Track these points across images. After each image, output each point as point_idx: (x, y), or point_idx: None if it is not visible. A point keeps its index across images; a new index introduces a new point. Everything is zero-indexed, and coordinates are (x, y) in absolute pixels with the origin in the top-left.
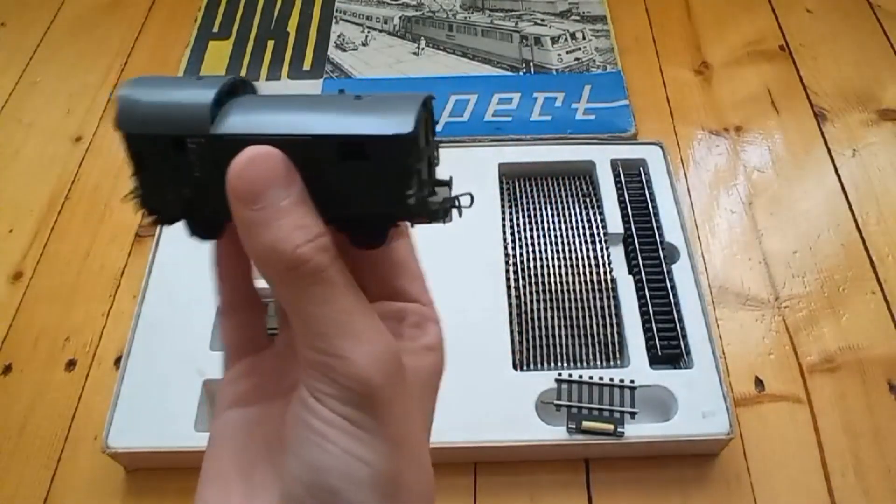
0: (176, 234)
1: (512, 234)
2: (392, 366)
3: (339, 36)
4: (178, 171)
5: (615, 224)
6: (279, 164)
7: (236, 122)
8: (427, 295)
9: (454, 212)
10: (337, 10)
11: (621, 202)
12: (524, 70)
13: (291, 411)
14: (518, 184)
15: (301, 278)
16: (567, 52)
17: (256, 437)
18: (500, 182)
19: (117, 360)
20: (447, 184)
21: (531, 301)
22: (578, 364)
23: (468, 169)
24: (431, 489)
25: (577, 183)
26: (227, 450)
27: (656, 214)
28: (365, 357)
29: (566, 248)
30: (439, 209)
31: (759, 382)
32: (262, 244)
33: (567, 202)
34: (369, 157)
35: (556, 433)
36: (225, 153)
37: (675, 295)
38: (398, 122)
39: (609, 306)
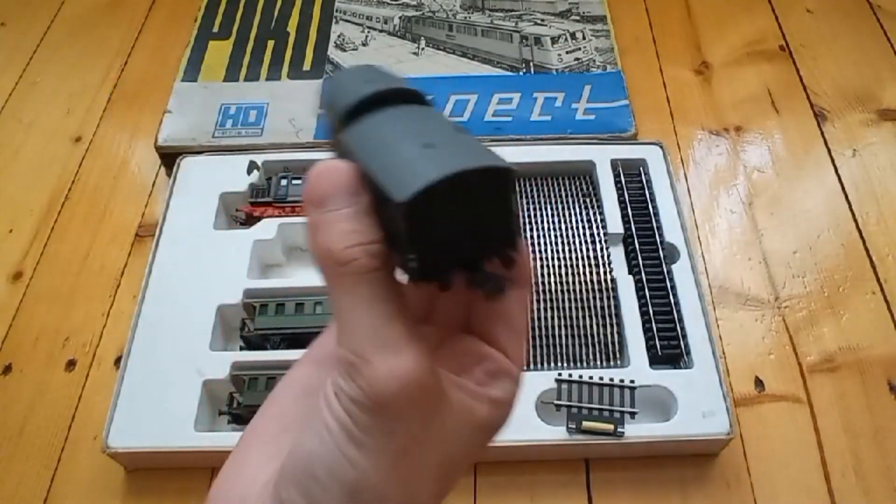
0: (176, 235)
1: None
2: (416, 384)
3: (339, 36)
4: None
5: (615, 224)
6: (346, 177)
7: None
8: (519, 353)
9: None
10: (337, 10)
11: (621, 202)
12: (524, 70)
13: (320, 394)
14: (518, 184)
15: (346, 276)
16: (567, 52)
17: (303, 403)
18: None
19: (117, 360)
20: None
21: (531, 301)
22: (578, 364)
23: None
24: None
25: (577, 183)
26: (280, 402)
27: (656, 214)
28: (388, 366)
29: (566, 248)
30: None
31: (759, 382)
32: (319, 243)
33: (567, 202)
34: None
35: (556, 433)
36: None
37: (675, 295)
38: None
39: (609, 306)
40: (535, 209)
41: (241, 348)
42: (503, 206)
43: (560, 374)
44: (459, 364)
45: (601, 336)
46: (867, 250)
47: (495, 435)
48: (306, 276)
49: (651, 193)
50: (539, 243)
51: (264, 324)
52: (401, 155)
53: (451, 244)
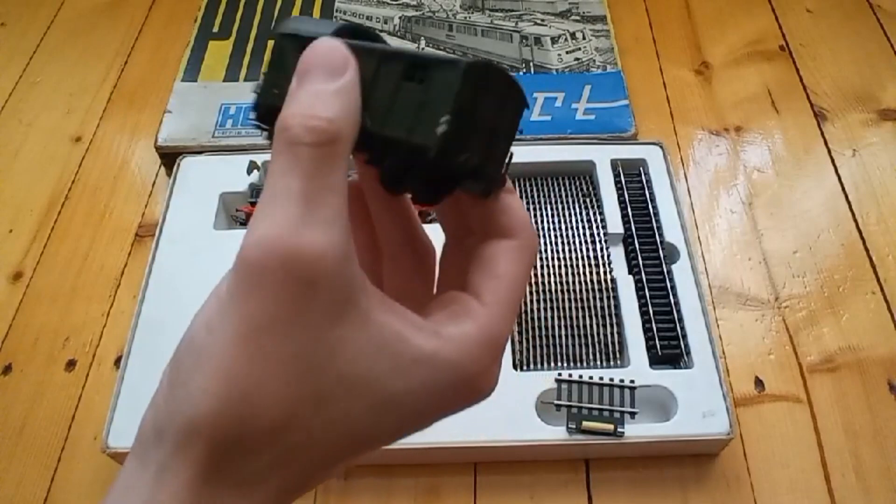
0: (176, 235)
1: None
2: (288, 253)
3: None
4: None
5: (615, 224)
6: (337, 52)
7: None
8: (497, 302)
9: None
10: (337, 10)
11: (621, 202)
12: (524, 70)
13: None
14: (518, 184)
15: (300, 145)
16: (567, 52)
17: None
18: None
19: (117, 360)
20: (502, 161)
21: (531, 301)
22: (578, 364)
23: None
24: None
25: (577, 183)
26: None
27: (656, 214)
28: (265, 227)
29: (566, 248)
30: (471, 167)
31: (759, 382)
32: (287, 111)
33: (567, 202)
34: (427, 82)
35: (556, 433)
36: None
37: (675, 295)
38: (467, 62)
39: (609, 306)
40: (535, 209)
41: None
42: (514, 124)
43: (560, 374)
44: (424, 306)
45: (601, 336)
46: (867, 250)
47: (455, 403)
48: None
49: (651, 193)
50: (539, 243)
51: None
52: (434, 55)
53: (471, 137)
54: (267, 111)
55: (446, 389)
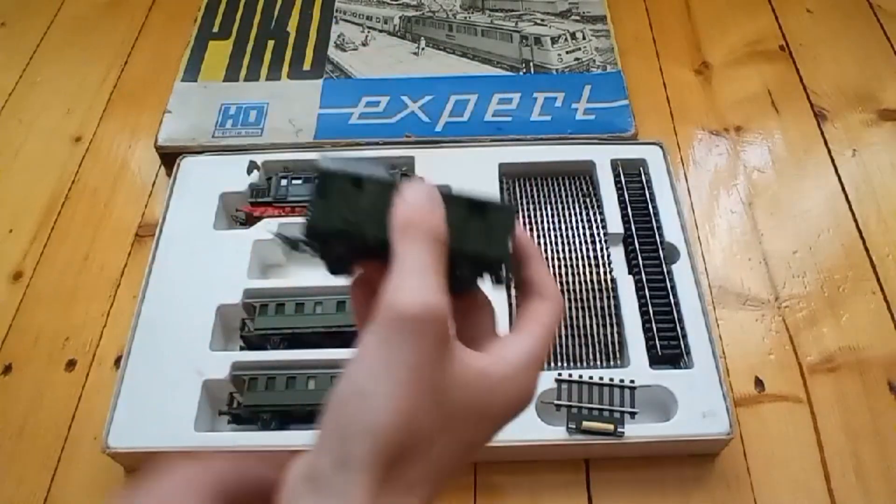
0: (176, 235)
1: None
2: (433, 309)
3: (339, 36)
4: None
5: (615, 224)
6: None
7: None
8: (536, 335)
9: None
10: (337, 10)
11: (621, 202)
12: (524, 70)
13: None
14: (518, 184)
15: (427, 236)
16: (567, 52)
17: None
18: (500, 182)
19: (117, 360)
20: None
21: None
22: (578, 364)
23: (468, 169)
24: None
25: (577, 183)
26: None
27: (656, 214)
28: (417, 292)
29: (566, 248)
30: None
31: (759, 382)
32: (425, 216)
33: (567, 202)
34: (485, 216)
35: (556, 433)
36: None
37: (675, 295)
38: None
39: (609, 306)
40: (535, 209)
41: (241, 348)
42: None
43: (560, 374)
44: (487, 347)
45: (601, 336)
46: (867, 250)
47: (520, 406)
48: (306, 276)
49: (651, 193)
50: (539, 243)
51: (264, 324)
52: (479, 196)
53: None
54: (316, 233)
55: (515, 398)
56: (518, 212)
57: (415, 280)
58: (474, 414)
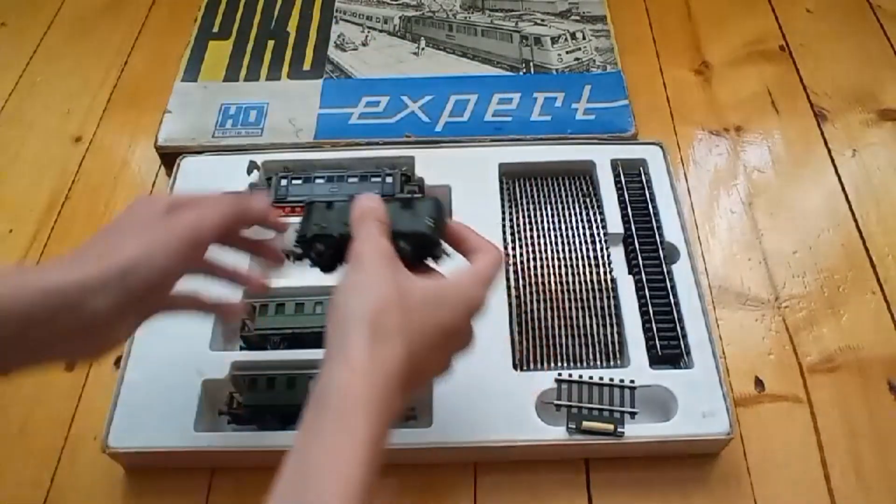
0: None
1: (512, 234)
2: (376, 243)
3: (339, 36)
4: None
5: (615, 224)
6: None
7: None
8: (478, 263)
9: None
10: (337, 10)
11: (621, 202)
12: (524, 70)
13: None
14: (518, 184)
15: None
16: (567, 52)
17: None
18: (500, 182)
19: (117, 360)
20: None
21: (531, 301)
22: (578, 364)
23: (468, 169)
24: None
25: (577, 183)
26: None
27: (656, 214)
28: (365, 234)
29: (566, 248)
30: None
31: (759, 382)
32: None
33: (567, 202)
34: (414, 208)
35: (556, 433)
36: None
37: (675, 295)
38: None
39: (609, 306)
40: (535, 209)
41: (241, 348)
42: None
43: (560, 374)
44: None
45: (601, 336)
46: (867, 250)
47: (459, 305)
48: (306, 276)
49: (651, 193)
50: (539, 243)
51: (264, 324)
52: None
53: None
54: (303, 238)
55: (463, 295)
56: (440, 203)
57: (367, 237)
58: (427, 300)
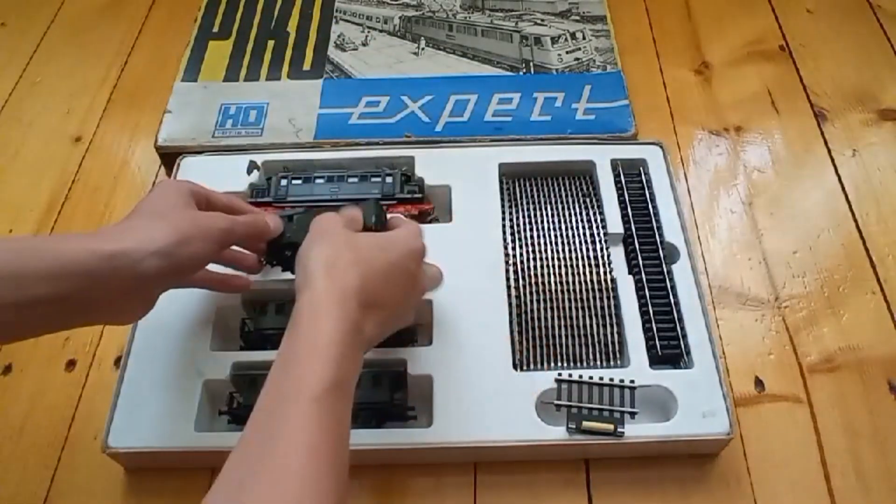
0: None
1: (512, 234)
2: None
3: (339, 36)
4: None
5: (615, 224)
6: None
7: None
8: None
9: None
10: (337, 10)
11: (621, 202)
12: (524, 70)
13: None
14: (518, 184)
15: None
16: (567, 52)
17: None
18: (500, 182)
19: (117, 360)
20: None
21: (531, 301)
22: (578, 364)
23: (468, 169)
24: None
25: (577, 183)
26: None
27: (656, 214)
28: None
29: (566, 248)
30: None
31: (759, 382)
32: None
33: (567, 202)
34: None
35: (556, 433)
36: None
37: (675, 295)
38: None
39: (609, 306)
40: (535, 209)
41: (241, 348)
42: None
43: (560, 374)
44: None
45: (601, 336)
46: (867, 250)
47: (403, 251)
48: None
49: (651, 193)
50: (539, 243)
51: (264, 324)
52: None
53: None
54: (272, 246)
55: (403, 244)
56: (380, 204)
57: (323, 216)
58: (375, 245)
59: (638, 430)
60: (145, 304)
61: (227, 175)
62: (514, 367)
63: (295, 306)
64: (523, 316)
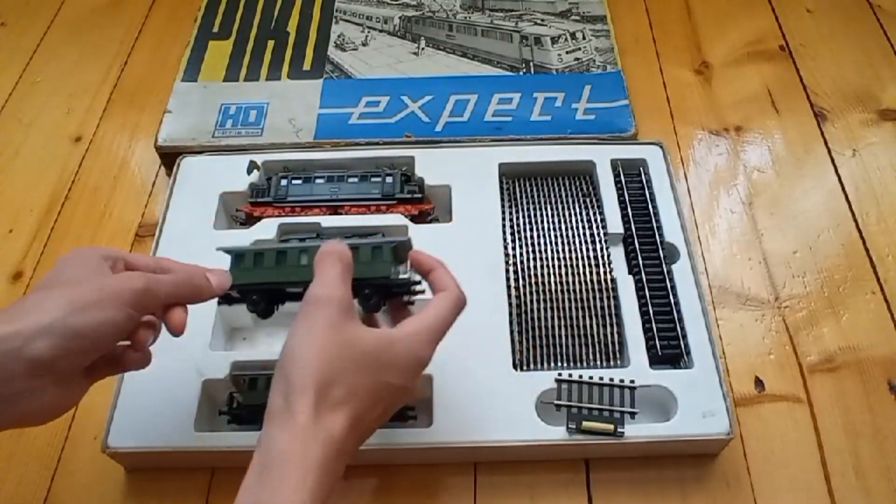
0: (176, 234)
1: (512, 234)
2: (330, 294)
3: (339, 36)
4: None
5: (615, 224)
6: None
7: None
8: (426, 316)
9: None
10: (337, 10)
11: (621, 202)
12: (524, 70)
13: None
14: (518, 184)
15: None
16: (567, 52)
17: None
18: (500, 182)
19: None
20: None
21: (531, 301)
22: (578, 364)
23: (468, 169)
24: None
25: (577, 183)
26: None
27: (656, 214)
28: (323, 280)
29: (566, 248)
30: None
31: (759, 382)
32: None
33: (567, 202)
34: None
35: (556, 433)
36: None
37: (675, 295)
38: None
39: (609, 306)
40: (535, 209)
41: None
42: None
43: (560, 374)
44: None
45: (601, 336)
46: (867, 250)
47: (403, 365)
48: None
49: (651, 193)
50: (539, 243)
51: (241, 278)
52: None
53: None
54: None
55: (405, 355)
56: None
57: (325, 282)
58: (376, 361)
59: (638, 431)
60: (63, 397)
61: (227, 175)
62: (514, 367)
63: (267, 433)
64: (523, 316)
